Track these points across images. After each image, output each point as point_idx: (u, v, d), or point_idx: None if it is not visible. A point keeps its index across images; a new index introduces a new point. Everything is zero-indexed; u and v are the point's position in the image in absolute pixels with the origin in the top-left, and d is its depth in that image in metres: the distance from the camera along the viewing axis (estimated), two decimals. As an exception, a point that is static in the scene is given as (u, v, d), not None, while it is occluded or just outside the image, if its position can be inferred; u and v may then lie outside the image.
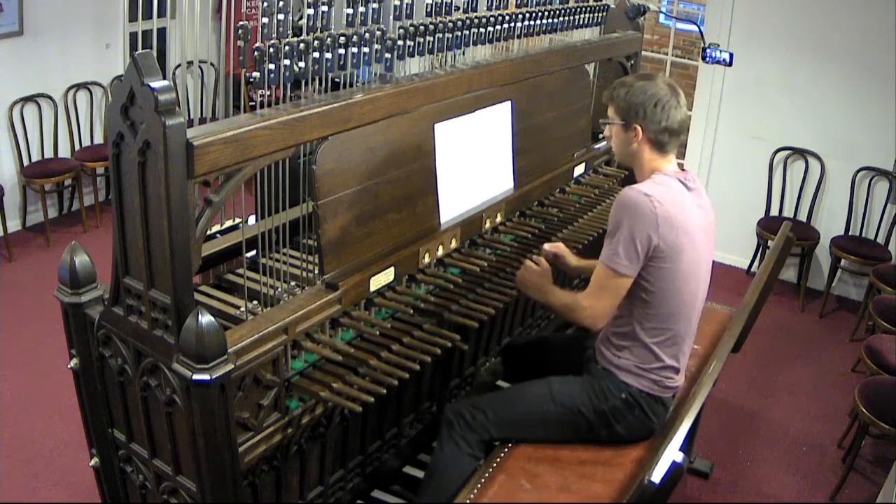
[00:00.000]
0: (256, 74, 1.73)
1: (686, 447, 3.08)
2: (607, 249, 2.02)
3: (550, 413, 2.17)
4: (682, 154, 5.17)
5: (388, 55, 2.07)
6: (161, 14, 4.44)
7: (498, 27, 2.48)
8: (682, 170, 2.13)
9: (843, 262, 4.61)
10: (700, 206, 2.10)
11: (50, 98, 4.92)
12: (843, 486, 3.14)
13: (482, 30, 2.41)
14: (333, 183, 1.99)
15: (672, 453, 1.74)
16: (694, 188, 2.09)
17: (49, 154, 4.99)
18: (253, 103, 1.75)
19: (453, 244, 2.40)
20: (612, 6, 3.32)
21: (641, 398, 2.12)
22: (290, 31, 1.78)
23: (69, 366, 1.90)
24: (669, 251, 1.99)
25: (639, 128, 2.05)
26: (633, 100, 2.04)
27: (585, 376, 2.22)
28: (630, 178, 2.52)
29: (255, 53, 1.72)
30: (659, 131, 2.04)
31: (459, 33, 2.30)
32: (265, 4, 1.71)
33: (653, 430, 2.19)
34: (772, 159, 4.84)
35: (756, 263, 5.02)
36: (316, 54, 1.84)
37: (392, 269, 2.13)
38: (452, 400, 2.72)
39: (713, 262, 2.24)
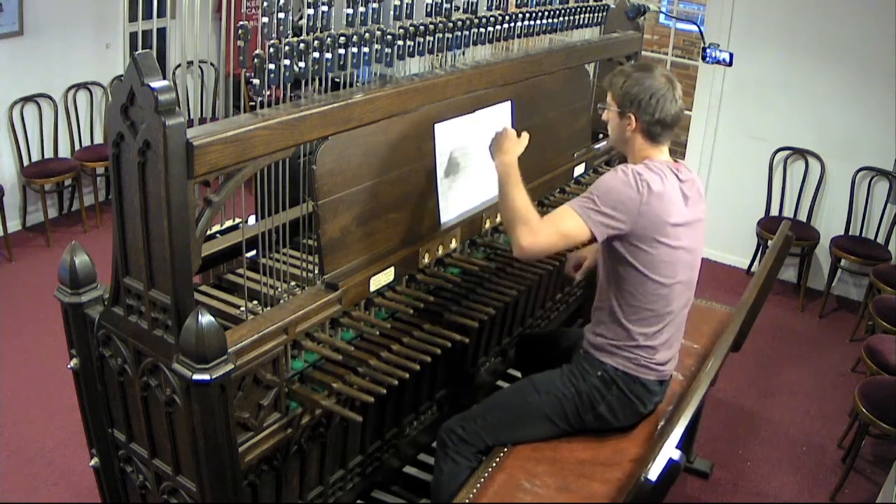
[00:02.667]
0: (256, 81, 1.73)
1: (686, 447, 3.08)
2: (582, 199, 2.03)
3: (535, 404, 2.20)
4: (682, 154, 5.17)
5: (388, 50, 2.07)
6: (161, 14, 4.44)
7: (498, 27, 2.48)
8: (676, 161, 2.15)
9: (843, 262, 4.61)
10: (690, 196, 2.11)
11: (50, 98, 4.92)
12: (843, 486, 3.14)
13: (482, 30, 2.41)
14: (333, 183, 1.99)
15: (669, 451, 1.74)
16: (686, 179, 2.11)
17: (49, 154, 4.99)
18: (253, 103, 1.75)
19: (453, 244, 2.40)
20: (612, 6, 3.32)
21: (617, 376, 2.16)
22: (290, 31, 1.78)
23: (69, 366, 1.90)
24: (646, 237, 2.02)
25: (633, 117, 2.08)
26: (630, 90, 2.07)
27: (566, 365, 2.27)
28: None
29: (255, 60, 1.71)
30: (652, 123, 2.07)
31: (459, 33, 2.31)
32: (265, 19, 1.71)
33: (640, 414, 2.22)
34: (772, 159, 4.84)
35: (756, 263, 5.01)
36: (316, 54, 1.84)
37: (392, 269, 2.14)
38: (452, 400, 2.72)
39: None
